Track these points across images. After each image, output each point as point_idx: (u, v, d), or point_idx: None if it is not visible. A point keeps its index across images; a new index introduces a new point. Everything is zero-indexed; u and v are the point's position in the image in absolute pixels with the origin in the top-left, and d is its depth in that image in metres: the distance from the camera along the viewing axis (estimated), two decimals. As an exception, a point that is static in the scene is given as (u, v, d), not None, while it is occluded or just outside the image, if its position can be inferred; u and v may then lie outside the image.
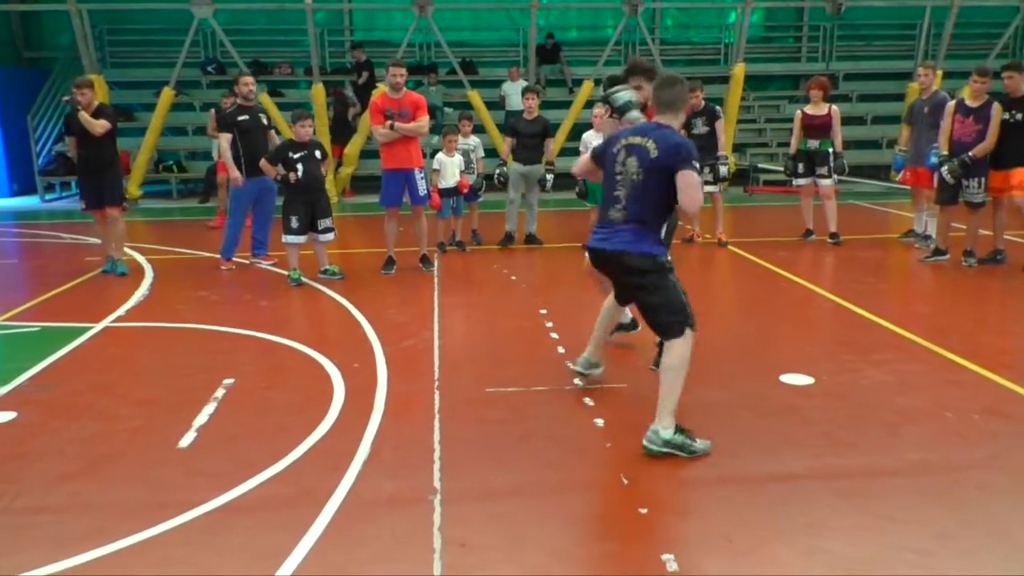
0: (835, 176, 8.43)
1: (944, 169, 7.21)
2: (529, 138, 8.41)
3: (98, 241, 7.77)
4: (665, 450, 3.57)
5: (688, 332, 3.63)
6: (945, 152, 7.31)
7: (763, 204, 12.10)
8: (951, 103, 7.45)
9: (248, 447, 3.73)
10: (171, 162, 13.89)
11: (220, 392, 4.42)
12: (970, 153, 7.07)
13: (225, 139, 7.48)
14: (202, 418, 4.06)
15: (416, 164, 7.26)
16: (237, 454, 3.65)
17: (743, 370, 4.70)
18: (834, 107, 8.36)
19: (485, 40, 16.50)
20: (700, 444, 3.62)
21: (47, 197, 13.45)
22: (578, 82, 14.06)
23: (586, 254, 4.05)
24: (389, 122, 7.00)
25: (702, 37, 16.94)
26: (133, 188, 12.58)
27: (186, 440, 3.80)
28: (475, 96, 13.00)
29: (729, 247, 8.48)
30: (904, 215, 10.05)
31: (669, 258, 3.75)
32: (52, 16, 14.31)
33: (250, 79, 7.63)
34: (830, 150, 8.36)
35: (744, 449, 3.67)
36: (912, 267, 7.60)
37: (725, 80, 14.08)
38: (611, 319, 4.65)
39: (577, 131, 10.39)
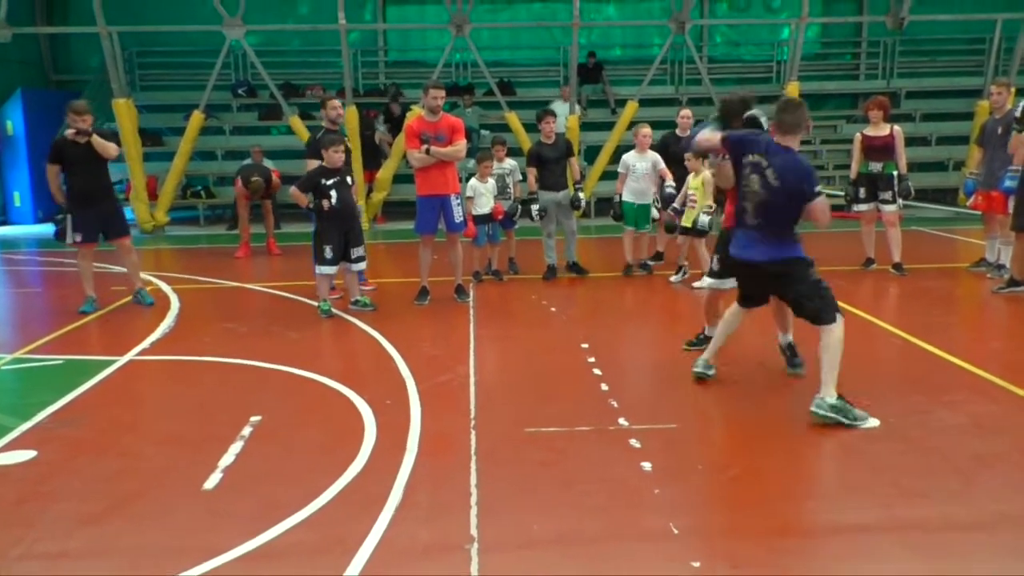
0: (899, 201, 8.30)
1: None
2: (554, 163, 8.38)
3: (124, 270, 7.88)
4: (831, 415, 4.21)
5: (839, 317, 4.37)
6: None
7: (819, 231, 11.92)
8: (1030, 122, 7.31)
9: (275, 489, 3.74)
10: (199, 188, 14.21)
11: (247, 430, 4.46)
12: (1047, 175, 6.91)
13: (311, 165, 7.18)
14: (228, 458, 4.09)
15: (452, 190, 7.31)
16: (264, 496, 3.66)
17: (802, 411, 4.58)
18: (896, 127, 8.25)
19: (524, 59, 16.68)
20: (859, 412, 4.28)
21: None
22: (621, 102, 14.11)
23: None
24: (425, 146, 7.07)
25: (753, 55, 16.94)
26: (160, 214, 12.89)
27: (211, 481, 3.83)
28: (513, 118, 13.11)
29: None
30: (974, 242, 9.84)
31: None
32: (82, 38, 14.78)
33: (337, 102, 7.63)
34: (894, 173, 8.24)
35: (804, 497, 3.59)
36: (984, 299, 7.41)
37: (777, 99, 13.99)
38: (732, 326, 5.12)
39: (620, 153, 10.36)
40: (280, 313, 7.33)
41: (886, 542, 3.19)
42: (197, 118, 12.69)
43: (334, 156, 6.77)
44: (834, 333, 4.35)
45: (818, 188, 4.31)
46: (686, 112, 8.82)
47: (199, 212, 14.22)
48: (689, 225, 8.23)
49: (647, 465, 3.93)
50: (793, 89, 12.83)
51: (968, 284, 8.05)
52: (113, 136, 7.54)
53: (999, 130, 7.87)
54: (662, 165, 8.44)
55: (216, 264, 10.01)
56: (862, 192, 8.43)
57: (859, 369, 5.37)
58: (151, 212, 12.81)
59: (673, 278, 8.42)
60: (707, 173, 8.45)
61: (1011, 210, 7.41)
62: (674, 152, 8.44)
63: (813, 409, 4.26)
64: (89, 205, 7.25)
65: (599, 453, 4.12)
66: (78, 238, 7.28)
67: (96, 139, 7.06)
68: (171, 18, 13.80)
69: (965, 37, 15.93)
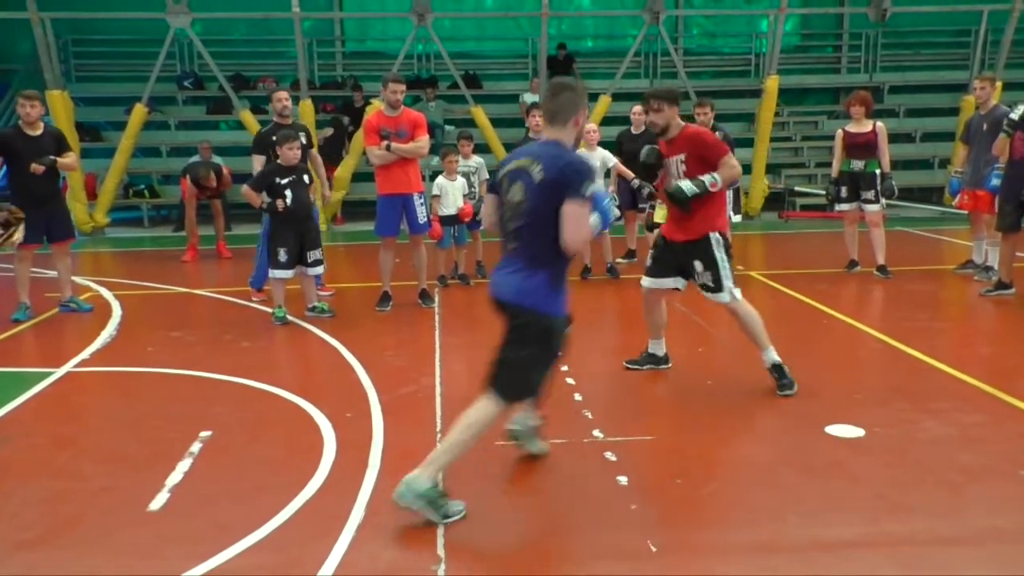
0: (883, 200, 8.44)
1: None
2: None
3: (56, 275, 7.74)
4: (417, 506, 3.48)
5: (500, 405, 3.61)
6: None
7: (799, 231, 12.12)
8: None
9: (227, 510, 3.70)
10: (142, 186, 14.04)
11: (196, 447, 4.40)
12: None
13: (258, 162, 7.32)
14: (176, 476, 4.04)
15: (415, 189, 7.30)
16: (215, 518, 3.62)
17: (783, 421, 4.66)
18: (879, 124, 8.39)
19: (490, 51, 16.73)
20: (453, 506, 3.56)
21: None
22: (593, 96, 14.17)
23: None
24: (385, 143, 7.06)
25: (731, 47, 17.15)
26: (100, 215, 12.70)
27: (157, 502, 3.77)
28: (479, 113, 13.14)
29: (764, 280, 8.47)
30: (960, 243, 10.05)
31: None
32: (10, 24, 14.47)
33: (284, 94, 7.62)
34: (876, 171, 8.38)
35: (787, 511, 3.62)
36: (972, 302, 7.57)
37: (756, 94, 14.21)
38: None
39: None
40: (231, 321, 7.26)
41: (873, 558, 3.24)
42: (139, 112, 12.53)
43: (288, 153, 6.72)
44: (487, 410, 3.61)
45: (588, 191, 3.37)
46: (638, 108, 8.86)
47: (143, 213, 14.03)
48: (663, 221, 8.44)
49: (623, 479, 3.95)
50: (773, 83, 13.02)
51: (955, 287, 8.21)
52: (56, 141, 7.31)
53: (984, 126, 8.04)
54: (613, 162, 8.51)
55: (162, 268, 9.88)
56: (844, 191, 8.57)
57: (841, 376, 5.48)
58: (90, 213, 12.61)
59: None
60: None
61: (996, 210, 7.58)
62: (628, 150, 8.50)
63: (400, 498, 3.49)
64: (36, 205, 7.11)
65: (573, 467, 4.13)
66: (21, 239, 7.12)
67: (61, 163, 7.07)
68: (110, 4, 13.60)
69: (950, 29, 16.28)
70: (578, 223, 3.39)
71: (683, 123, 5.12)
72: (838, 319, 6.90)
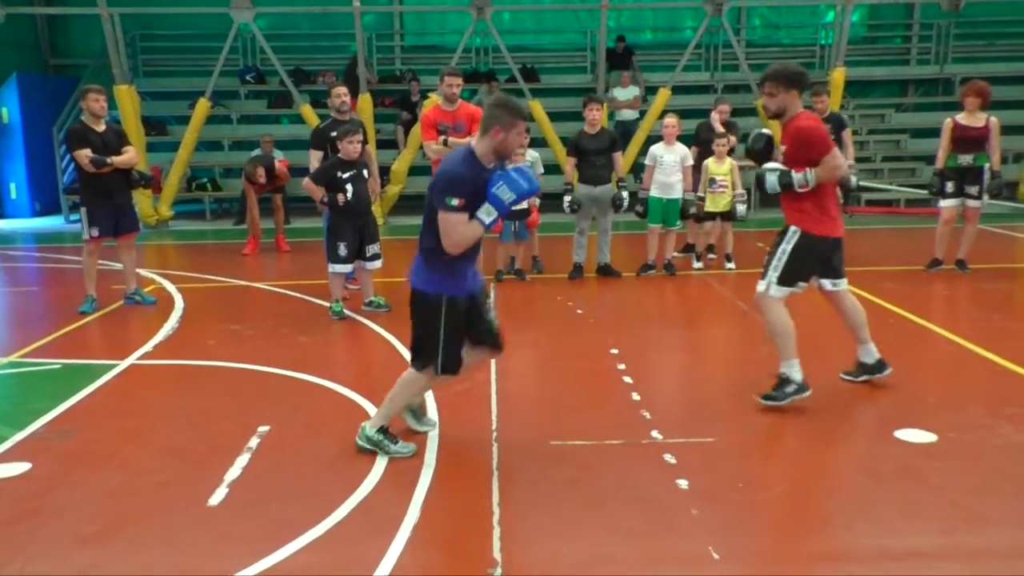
0: (986, 198, 8.12)
1: None
2: (595, 155, 8.22)
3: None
4: (360, 443, 4.20)
5: (427, 372, 4.09)
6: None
7: (865, 227, 11.76)
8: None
9: (284, 507, 3.71)
10: (205, 180, 14.28)
11: (254, 441, 4.43)
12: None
13: (316, 157, 7.34)
14: (234, 471, 4.06)
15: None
16: (272, 515, 3.63)
17: (851, 424, 4.52)
18: (993, 118, 8.00)
19: (548, 44, 16.62)
20: (399, 447, 4.19)
21: (72, 218, 13.61)
22: (652, 90, 14.00)
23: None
24: (443, 137, 7.04)
25: (794, 38, 16.76)
26: (164, 208, 12.95)
27: (217, 497, 3.80)
28: (536, 106, 13.04)
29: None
30: (1037, 241, 9.67)
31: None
32: (81, 20, 14.88)
33: (343, 89, 7.62)
34: (985, 166, 8.04)
35: (857, 520, 3.49)
36: (1049, 303, 7.27)
37: (822, 86, 13.83)
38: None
39: (650, 143, 10.28)
40: (289, 314, 7.32)
41: (948, 570, 3.10)
42: (203, 106, 12.73)
43: (349, 147, 6.73)
44: (417, 380, 4.15)
45: (452, 201, 3.70)
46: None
47: (205, 206, 14.28)
48: (720, 210, 8.40)
49: (683, 483, 3.85)
50: (839, 75, 12.66)
51: (1030, 286, 7.90)
52: (118, 136, 7.43)
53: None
54: (691, 161, 8.40)
55: (223, 261, 10.03)
56: (949, 187, 8.18)
57: (912, 378, 5.27)
58: (154, 206, 12.87)
59: (697, 264, 8.83)
60: (732, 160, 8.52)
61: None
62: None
63: (357, 440, 4.23)
64: (107, 197, 7.28)
65: (631, 469, 4.05)
66: (95, 232, 7.29)
67: (118, 161, 7.17)
68: (176, 0, 13.86)
69: (1026, 19, 15.69)
70: (446, 231, 3.80)
71: (801, 110, 4.65)
72: (907, 319, 6.66)
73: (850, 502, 3.64)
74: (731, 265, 8.76)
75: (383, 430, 4.21)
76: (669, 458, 4.13)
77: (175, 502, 3.77)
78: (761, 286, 4.72)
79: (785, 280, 4.67)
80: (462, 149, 3.96)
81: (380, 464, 4.13)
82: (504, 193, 3.77)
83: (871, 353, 5.05)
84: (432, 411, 4.79)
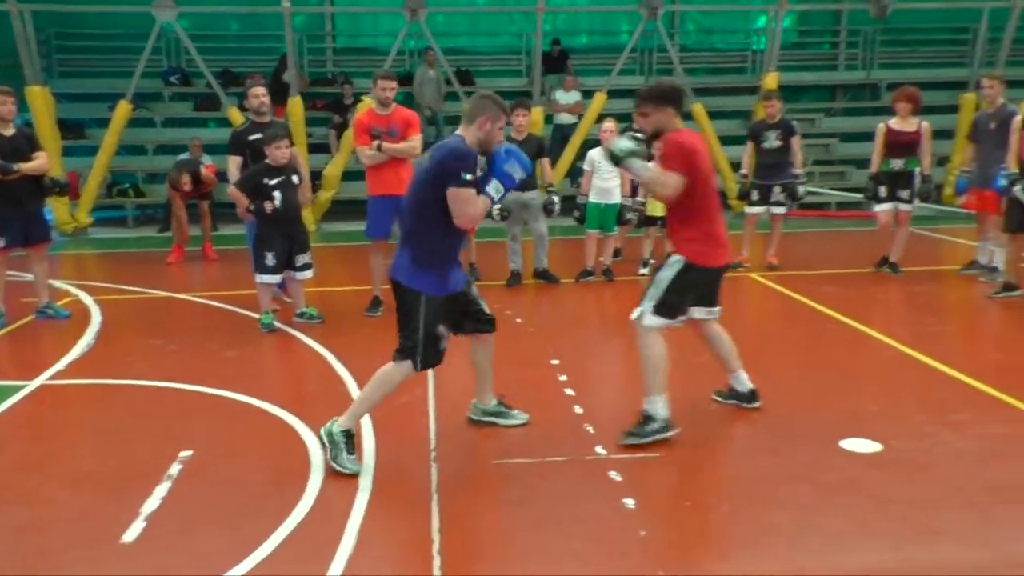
0: (917, 201, 8.24)
1: (1018, 188, 6.99)
2: None
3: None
4: (324, 439, 4.07)
5: (410, 365, 4.04)
6: (1015, 171, 7.12)
7: (797, 230, 11.87)
8: (1018, 118, 7.29)
9: (207, 539, 3.46)
10: (127, 185, 13.72)
11: (175, 468, 4.15)
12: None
13: (234, 163, 7.00)
14: (152, 502, 3.79)
15: (407, 190, 7.04)
16: (195, 549, 3.38)
17: (796, 434, 4.44)
18: (925, 123, 8.13)
19: (483, 47, 16.46)
20: (350, 461, 4.04)
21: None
22: (588, 93, 13.94)
23: None
24: (376, 142, 6.82)
25: (727, 43, 16.94)
26: (82, 215, 12.39)
27: (132, 532, 3.52)
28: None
29: (765, 281, 8.27)
30: (963, 243, 9.86)
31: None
32: (-7, 19, 14.18)
33: (261, 90, 7.26)
34: (916, 170, 8.16)
35: (805, 535, 3.41)
36: (978, 304, 7.39)
37: (753, 91, 14.01)
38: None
39: (588, 148, 10.22)
40: (216, 327, 7.00)
41: (901, 590, 3.03)
42: (123, 108, 12.21)
43: (277, 153, 6.46)
44: (396, 373, 4.09)
45: (467, 176, 3.85)
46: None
47: (127, 212, 13.70)
48: (660, 214, 8.33)
49: (630, 502, 3.72)
50: (772, 80, 12.78)
51: (961, 288, 8.01)
52: (28, 141, 7.00)
53: (992, 125, 7.86)
54: None
55: (145, 271, 9.59)
56: (882, 191, 8.28)
57: (853, 386, 5.26)
58: (72, 213, 12.30)
59: (643, 271, 8.63)
60: None
61: (1004, 210, 7.39)
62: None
63: (322, 430, 4.13)
64: (15, 206, 6.83)
65: (576, 489, 3.90)
66: (1, 243, 6.86)
67: (26, 168, 6.74)
68: (95, -2, 13.32)
69: (949, 27, 16.09)
70: (463, 204, 3.89)
71: (681, 128, 4.34)
72: (845, 324, 6.68)
73: (799, 517, 3.55)
74: None
75: (348, 433, 4.07)
76: (615, 475, 3.99)
77: (85, 540, 3.49)
78: (635, 313, 4.38)
79: (662, 310, 4.31)
80: (453, 137, 4.06)
81: (312, 487, 3.92)
82: (514, 170, 3.96)
83: (743, 382, 4.81)
84: (368, 430, 4.57)
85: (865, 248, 9.27)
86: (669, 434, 4.31)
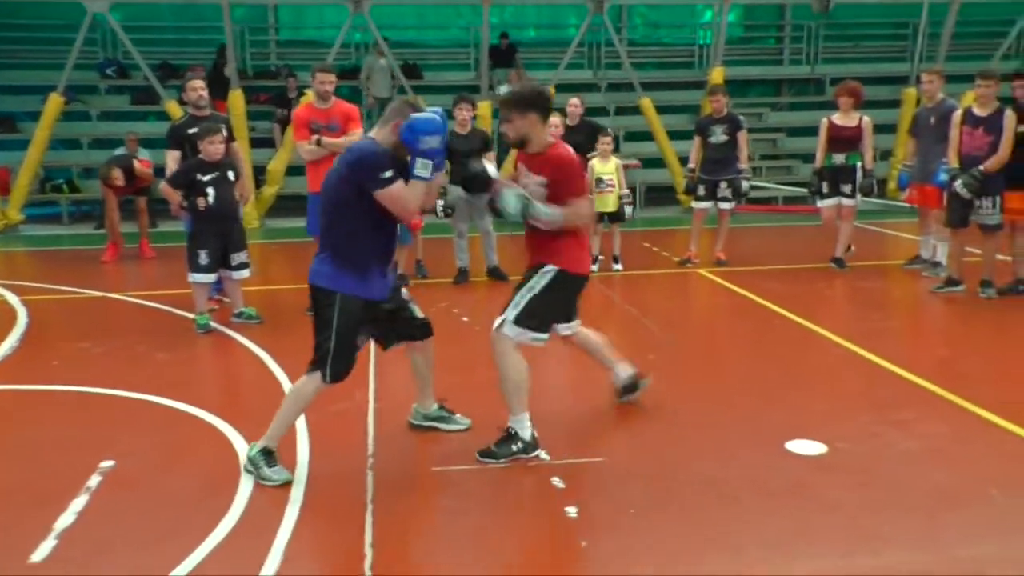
0: (859, 196, 8.25)
1: (958, 183, 7.00)
2: (466, 156, 7.89)
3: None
4: (249, 467, 3.90)
5: (320, 378, 3.88)
6: (955, 166, 7.13)
7: (745, 225, 11.88)
8: (958, 113, 7.31)
9: (123, 559, 3.24)
10: (61, 181, 13.22)
11: (95, 480, 3.91)
12: (981, 167, 6.89)
13: (172, 158, 6.73)
14: (67, 518, 3.54)
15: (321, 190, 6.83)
16: (108, 568, 3.16)
17: (741, 436, 4.35)
18: (866, 118, 8.17)
19: (431, 40, 16.21)
20: (272, 472, 3.86)
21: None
22: (537, 87, 13.80)
23: None
24: (315, 137, 6.62)
25: (674, 38, 16.91)
26: (13, 211, 11.91)
27: (42, 551, 3.28)
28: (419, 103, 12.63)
29: (712, 277, 8.21)
30: (905, 237, 9.94)
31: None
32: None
33: (199, 83, 7.03)
34: (857, 164, 8.17)
35: (749, 542, 3.30)
36: (922, 299, 7.40)
37: (700, 85, 14.00)
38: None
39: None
40: (150, 329, 6.71)
41: (847, 599, 2.93)
42: (54, 101, 11.74)
43: (210, 148, 6.20)
44: (307, 386, 3.93)
45: (386, 174, 3.64)
46: (575, 100, 8.69)
47: (61, 209, 13.21)
48: (609, 210, 8.23)
49: (572, 510, 3.58)
50: (718, 75, 12.75)
51: (904, 283, 8.05)
52: None
53: (932, 120, 7.88)
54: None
55: (78, 270, 9.22)
56: (825, 186, 8.31)
57: (799, 384, 5.19)
58: (1, 209, 11.80)
59: (592, 268, 8.37)
60: (616, 159, 8.40)
61: (945, 205, 7.40)
62: (570, 141, 8.23)
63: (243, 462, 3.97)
64: None
65: (517, 496, 3.77)
66: None
67: None
68: (25, -14, 12.78)
69: (889, 21, 16.28)
70: (396, 202, 3.72)
71: (549, 138, 4.13)
72: (791, 320, 6.63)
73: (743, 523, 3.44)
74: (618, 267, 8.62)
75: (265, 451, 3.91)
76: (557, 482, 3.85)
77: (-10, 561, 3.25)
78: (496, 321, 4.07)
79: (527, 321, 4.02)
80: (365, 139, 3.90)
81: (240, 501, 3.70)
82: (429, 139, 3.64)
83: (624, 372, 4.73)
84: (303, 438, 4.37)
85: (812, 243, 9.27)
86: (532, 454, 4.06)
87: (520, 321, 4.02)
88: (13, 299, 7.69)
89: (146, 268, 9.53)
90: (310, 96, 7.38)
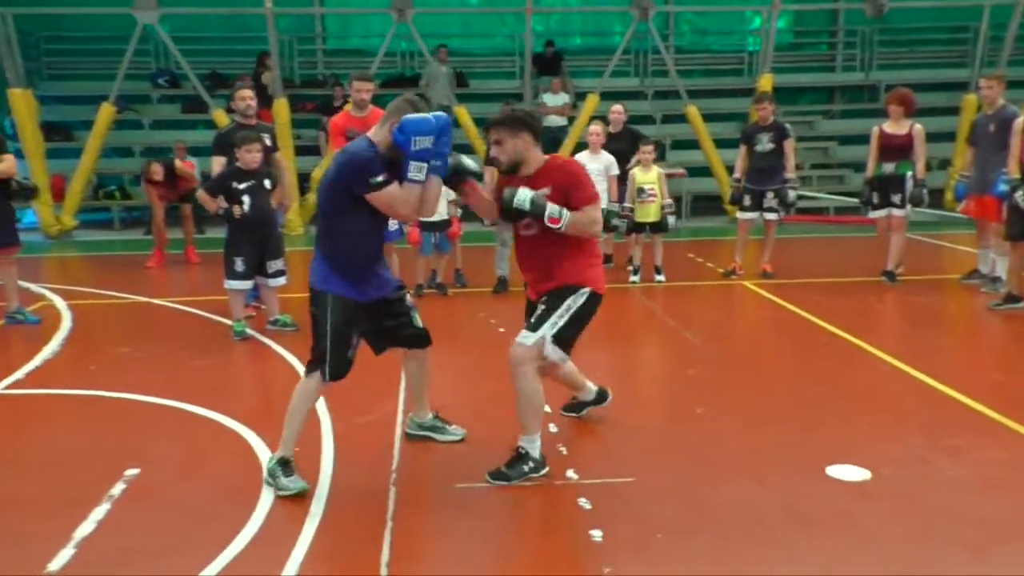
0: (909, 207, 7.97)
1: (1019, 194, 6.69)
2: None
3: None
4: (269, 479, 3.85)
5: (319, 376, 3.85)
6: (1017, 176, 6.82)
7: (794, 236, 11.58)
8: (1019, 120, 6.98)
9: (140, 568, 3.20)
10: (113, 187, 13.47)
11: (118, 488, 3.88)
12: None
13: (218, 163, 6.74)
14: (87, 527, 3.51)
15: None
16: (120, 583, 3.11)
17: (781, 459, 4.16)
18: (917, 126, 7.88)
19: (477, 48, 16.18)
20: (289, 481, 3.80)
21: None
22: (581, 95, 13.68)
23: None
24: (352, 145, 6.57)
25: (722, 45, 16.66)
26: (67, 218, 12.15)
27: (59, 560, 3.25)
28: (462, 112, 12.61)
29: (758, 290, 7.99)
30: (963, 250, 9.57)
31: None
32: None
33: (248, 92, 7.07)
34: (907, 174, 7.89)
35: (782, 574, 3.12)
36: (979, 316, 7.08)
37: (748, 93, 13.71)
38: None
39: (579, 151, 9.97)
40: (189, 335, 6.74)
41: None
42: (106, 110, 11.96)
43: (247, 156, 6.19)
44: (307, 386, 3.92)
45: (376, 179, 3.57)
46: (617, 107, 8.91)
47: (113, 215, 13.46)
48: (651, 220, 8.09)
49: (597, 534, 3.44)
50: (766, 82, 12.50)
51: (961, 299, 7.72)
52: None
53: (991, 128, 7.56)
54: (616, 170, 8.10)
55: (125, 275, 9.35)
56: (876, 197, 8.07)
57: (844, 404, 4.96)
58: (56, 215, 12.05)
59: (634, 279, 8.42)
60: (658, 168, 8.24)
61: (1005, 217, 7.08)
62: (608, 150, 8.38)
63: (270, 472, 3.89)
64: None
65: (541, 517, 3.64)
66: None
67: None
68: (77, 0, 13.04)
69: (948, 25, 15.79)
70: (390, 205, 3.65)
71: (544, 156, 3.95)
72: (837, 335, 6.39)
73: (779, 552, 3.27)
74: (661, 278, 8.44)
75: (283, 460, 3.86)
76: (584, 503, 3.71)
77: (7, 568, 3.22)
78: (529, 339, 3.82)
79: (562, 340, 3.86)
80: (360, 139, 3.80)
81: (260, 513, 3.64)
82: (421, 140, 3.52)
83: (589, 394, 4.67)
84: (328, 450, 4.30)
85: (864, 255, 8.99)
86: (542, 472, 3.92)
87: (558, 340, 3.87)
88: (60, 303, 7.80)
89: (191, 274, 9.62)
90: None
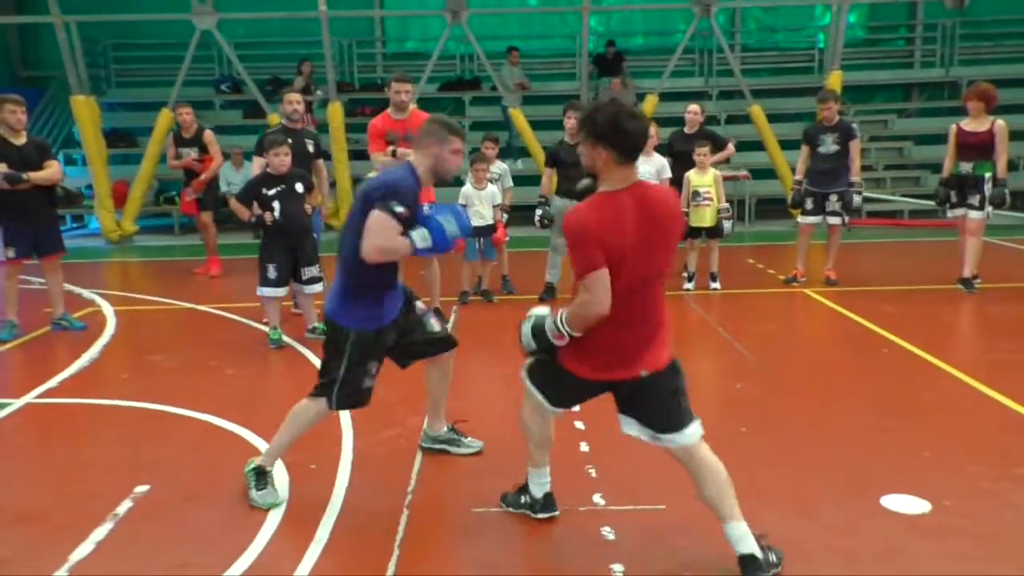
0: (989, 208, 7.46)
1: None
2: (573, 167, 7.52)
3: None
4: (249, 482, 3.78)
5: (326, 404, 3.74)
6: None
7: (864, 241, 11.00)
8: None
9: (126, 600, 3.04)
10: (174, 193, 13.63)
11: (125, 505, 3.75)
12: None
13: (259, 165, 6.63)
14: (86, 548, 3.39)
15: (426, 199, 6.56)
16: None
17: (829, 487, 3.80)
18: (999, 122, 7.36)
19: (536, 50, 15.94)
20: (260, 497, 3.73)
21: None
22: (640, 96, 13.31)
23: None
24: (391, 148, 6.42)
25: (791, 41, 16.05)
26: (128, 223, 12.33)
27: (49, 585, 3.12)
28: (518, 115, 12.39)
29: (820, 298, 7.54)
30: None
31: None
32: (50, 30, 14.21)
33: (296, 96, 7.06)
34: (986, 175, 7.39)
35: (825, 624, 2.79)
36: (1064, 329, 6.52)
37: (818, 92, 13.13)
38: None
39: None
40: (225, 342, 6.65)
41: None
42: (165, 116, 12.08)
43: (275, 160, 6.06)
44: (308, 409, 3.82)
45: (397, 208, 3.42)
46: (694, 107, 8.50)
47: (173, 220, 13.63)
48: (706, 225, 7.74)
49: (618, 569, 3.15)
50: (835, 79, 11.93)
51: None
52: (39, 151, 6.77)
53: (1080, 125, 6.99)
54: (668, 173, 7.75)
55: (178, 280, 9.36)
56: (953, 196, 7.61)
57: (905, 425, 4.54)
58: (117, 221, 12.25)
59: (688, 286, 8.11)
60: (715, 171, 7.87)
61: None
62: (680, 151, 8.19)
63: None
64: (24, 216, 6.63)
65: (559, 548, 3.36)
66: (10, 253, 6.65)
67: (35, 177, 6.52)
68: (138, 6, 13.25)
69: (1035, 18, 14.94)
70: (377, 231, 3.45)
71: (614, 173, 2.98)
72: (904, 348, 5.93)
73: (821, 596, 2.93)
74: (716, 285, 8.06)
75: (259, 470, 3.82)
76: (607, 533, 3.43)
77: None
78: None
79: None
80: (403, 164, 3.73)
81: (263, 537, 3.47)
82: (448, 223, 3.58)
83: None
84: (345, 466, 4.10)
85: (938, 262, 8.44)
86: (537, 515, 3.55)
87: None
88: (108, 309, 7.83)
89: (237, 280, 9.58)
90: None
